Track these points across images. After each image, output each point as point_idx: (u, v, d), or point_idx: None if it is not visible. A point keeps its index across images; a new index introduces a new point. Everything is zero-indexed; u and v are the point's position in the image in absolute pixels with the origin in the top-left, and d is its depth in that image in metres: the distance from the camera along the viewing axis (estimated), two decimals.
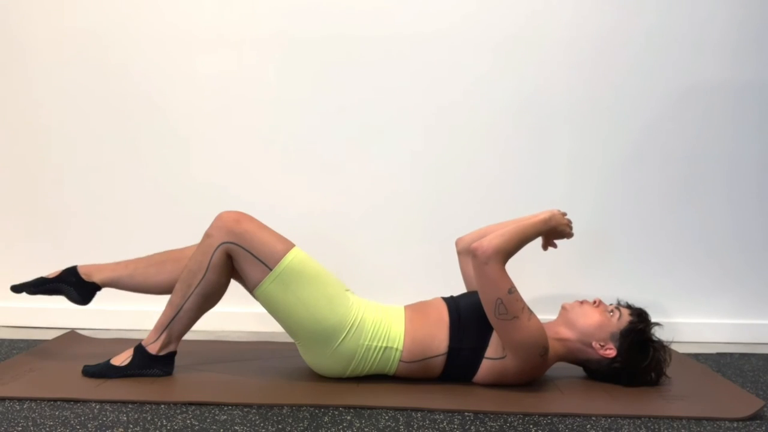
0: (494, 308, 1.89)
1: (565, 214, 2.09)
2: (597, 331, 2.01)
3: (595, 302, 2.06)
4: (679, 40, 2.70)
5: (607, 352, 2.00)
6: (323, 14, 2.69)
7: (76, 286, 2.09)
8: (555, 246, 2.15)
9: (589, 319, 2.02)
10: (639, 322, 2.01)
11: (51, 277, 2.11)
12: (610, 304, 2.09)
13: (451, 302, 2.05)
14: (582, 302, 2.07)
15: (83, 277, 2.10)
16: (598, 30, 2.70)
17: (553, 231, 2.08)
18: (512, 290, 1.89)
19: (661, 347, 2.03)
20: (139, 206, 2.75)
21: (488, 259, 1.88)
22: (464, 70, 2.72)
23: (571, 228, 2.11)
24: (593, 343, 2.00)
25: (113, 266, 2.14)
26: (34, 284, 2.10)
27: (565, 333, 2.03)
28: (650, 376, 2.03)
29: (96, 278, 2.11)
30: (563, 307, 2.08)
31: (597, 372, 2.06)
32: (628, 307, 2.08)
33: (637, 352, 1.99)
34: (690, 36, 2.70)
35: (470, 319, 1.97)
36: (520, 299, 1.89)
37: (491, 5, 2.69)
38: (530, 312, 1.91)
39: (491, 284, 1.89)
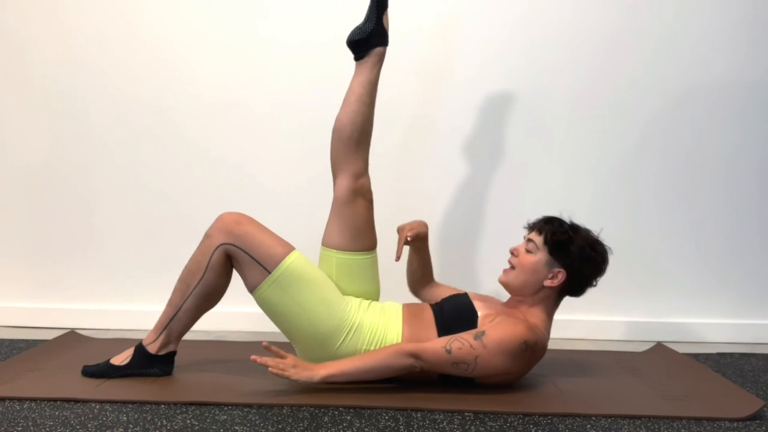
0: (459, 372, 1.87)
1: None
2: (536, 276, 1.96)
3: (514, 254, 1.99)
4: (679, 42, 2.70)
5: (558, 278, 1.95)
6: (325, 16, 2.69)
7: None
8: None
9: (523, 274, 1.96)
10: (549, 233, 1.94)
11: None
12: (524, 242, 2.00)
13: (437, 308, 2.02)
14: (506, 271, 2.00)
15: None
16: (599, 29, 2.70)
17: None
18: (449, 349, 1.84)
19: (571, 229, 1.96)
20: (139, 206, 2.75)
21: (416, 363, 1.84)
22: (463, 68, 2.71)
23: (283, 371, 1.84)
24: (545, 284, 1.96)
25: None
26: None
27: (527, 307, 1.98)
28: (588, 251, 1.94)
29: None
30: (502, 284, 2.00)
31: (577, 291, 2.00)
32: (532, 228, 2.01)
33: (569, 253, 1.93)
34: (691, 37, 2.70)
35: (455, 323, 1.94)
36: (462, 344, 1.84)
37: (492, 2, 2.70)
38: (479, 338, 1.85)
39: (438, 366, 1.86)
